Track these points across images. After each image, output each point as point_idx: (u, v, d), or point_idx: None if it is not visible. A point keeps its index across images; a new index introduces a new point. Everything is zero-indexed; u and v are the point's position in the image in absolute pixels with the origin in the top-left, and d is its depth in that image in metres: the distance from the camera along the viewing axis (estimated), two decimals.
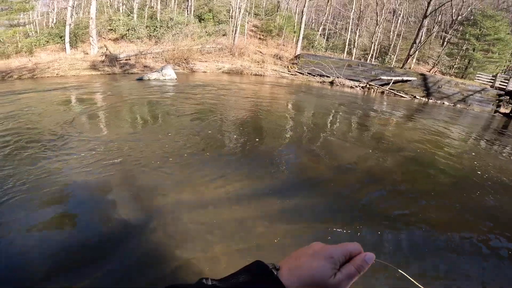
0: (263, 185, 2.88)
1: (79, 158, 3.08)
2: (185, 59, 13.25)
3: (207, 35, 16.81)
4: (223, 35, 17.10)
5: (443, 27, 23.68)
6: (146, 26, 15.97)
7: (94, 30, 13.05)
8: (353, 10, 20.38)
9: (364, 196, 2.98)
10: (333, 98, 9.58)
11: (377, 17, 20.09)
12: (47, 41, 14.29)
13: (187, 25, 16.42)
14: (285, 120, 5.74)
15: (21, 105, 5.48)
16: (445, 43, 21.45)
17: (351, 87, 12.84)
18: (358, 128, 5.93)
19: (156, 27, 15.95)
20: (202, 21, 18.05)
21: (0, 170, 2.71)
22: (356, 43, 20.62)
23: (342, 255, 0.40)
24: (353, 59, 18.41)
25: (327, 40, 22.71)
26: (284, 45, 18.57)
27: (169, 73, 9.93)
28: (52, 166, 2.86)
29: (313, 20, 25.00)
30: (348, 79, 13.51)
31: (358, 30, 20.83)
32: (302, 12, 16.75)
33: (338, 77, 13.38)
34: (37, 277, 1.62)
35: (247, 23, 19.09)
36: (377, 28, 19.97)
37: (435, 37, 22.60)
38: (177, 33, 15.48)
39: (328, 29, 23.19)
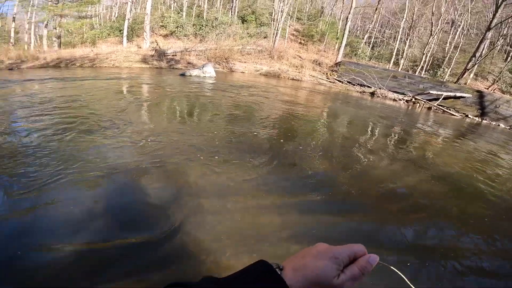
0: (290, 191, 2.88)
1: (132, 146, 3.38)
2: (225, 59, 13.71)
3: (249, 36, 17.18)
4: (264, 37, 17.33)
5: (508, 41, 21.10)
6: (193, 24, 16.85)
7: (148, 26, 14.15)
8: (404, 19, 19.20)
9: (386, 207, 2.82)
10: (373, 110, 9.13)
11: (431, 27, 18.59)
12: (108, 34, 15.84)
13: (230, 25, 16.96)
14: (323, 128, 5.66)
15: (83, 90, 6.18)
16: (509, 58, 19.11)
17: (394, 99, 12.08)
18: (396, 143, 5.58)
19: (202, 25, 16.74)
20: (244, 22, 18.50)
21: (59, 149, 3.11)
22: (405, 54, 19.35)
23: (347, 256, 0.40)
24: (399, 70, 17.32)
25: (372, 48, 21.70)
26: (325, 51, 18.18)
27: (209, 71, 10.38)
28: (105, 150, 3.18)
29: (359, 28, 24.09)
30: (392, 91, 12.73)
31: (408, 40, 19.53)
32: (347, 19, 16.20)
33: (380, 88, 12.69)
34: (78, 246, 1.84)
35: (289, 27, 19.06)
36: (430, 38, 18.49)
37: (498, 51, 20.23)
38: (221, 33, 16.07)
39: (375, 37, 22.12)
